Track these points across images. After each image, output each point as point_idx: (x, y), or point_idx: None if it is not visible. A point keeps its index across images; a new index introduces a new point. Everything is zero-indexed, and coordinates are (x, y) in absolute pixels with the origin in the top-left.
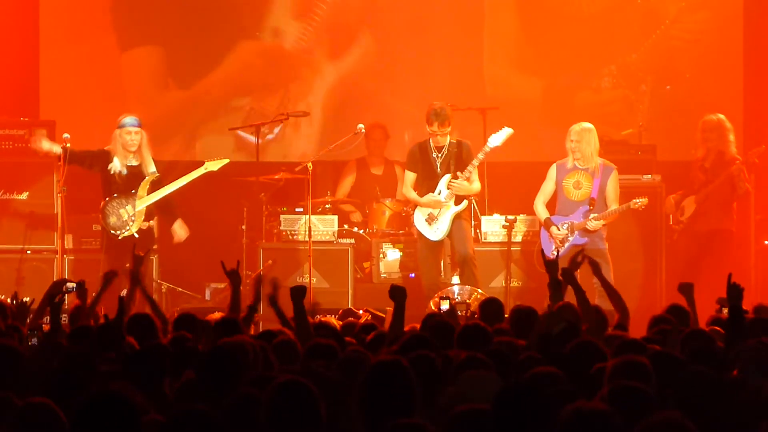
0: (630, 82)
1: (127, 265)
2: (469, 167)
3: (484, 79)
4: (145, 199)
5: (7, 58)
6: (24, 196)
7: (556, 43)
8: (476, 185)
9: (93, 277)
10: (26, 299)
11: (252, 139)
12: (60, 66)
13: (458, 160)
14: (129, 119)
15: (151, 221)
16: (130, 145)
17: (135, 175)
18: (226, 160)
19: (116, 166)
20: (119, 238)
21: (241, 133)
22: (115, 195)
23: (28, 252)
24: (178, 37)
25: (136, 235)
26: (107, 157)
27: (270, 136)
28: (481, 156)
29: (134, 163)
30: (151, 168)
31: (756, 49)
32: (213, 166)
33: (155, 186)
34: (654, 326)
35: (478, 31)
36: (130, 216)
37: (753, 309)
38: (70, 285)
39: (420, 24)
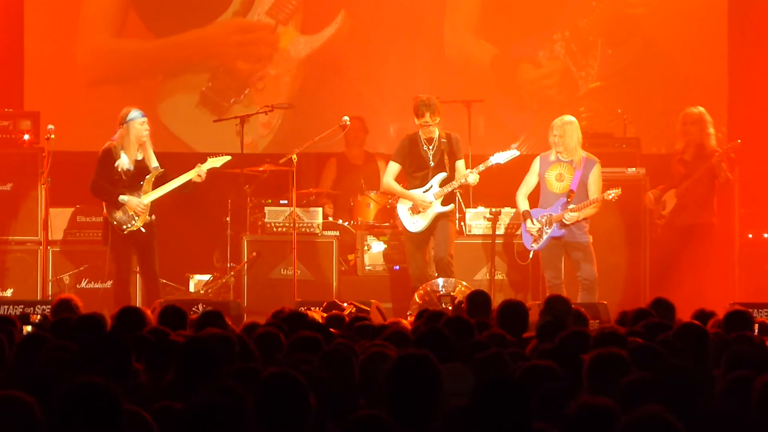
0: (581, 46)
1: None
2: (464, 178)
3: (444, 42)
4: (150, 194)
5: None
6: (8, 187)
7: (513, 8)
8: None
9: (77, 267)
10: None
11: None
12: (44, 57)
13: (450, 154)
14: (137, 111)
15: (152, 216)
16: (143, 136)
17: (140, 170)
18: (228, 157)
19: (125, 163)
20: (125, 232)
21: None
22: (121, 190)
23: (12, 243)
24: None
25: (143, 230)
26: (111, 155)
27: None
28: (481, 168)
29: (139, 157)
30: (154, 163)
31: (741, 38)
32: (215, 162)
33: (159, 181)
34: (638, 320)
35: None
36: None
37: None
38: None
39: (406, 21)
